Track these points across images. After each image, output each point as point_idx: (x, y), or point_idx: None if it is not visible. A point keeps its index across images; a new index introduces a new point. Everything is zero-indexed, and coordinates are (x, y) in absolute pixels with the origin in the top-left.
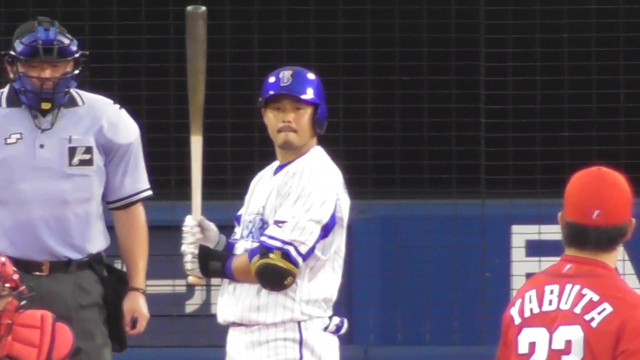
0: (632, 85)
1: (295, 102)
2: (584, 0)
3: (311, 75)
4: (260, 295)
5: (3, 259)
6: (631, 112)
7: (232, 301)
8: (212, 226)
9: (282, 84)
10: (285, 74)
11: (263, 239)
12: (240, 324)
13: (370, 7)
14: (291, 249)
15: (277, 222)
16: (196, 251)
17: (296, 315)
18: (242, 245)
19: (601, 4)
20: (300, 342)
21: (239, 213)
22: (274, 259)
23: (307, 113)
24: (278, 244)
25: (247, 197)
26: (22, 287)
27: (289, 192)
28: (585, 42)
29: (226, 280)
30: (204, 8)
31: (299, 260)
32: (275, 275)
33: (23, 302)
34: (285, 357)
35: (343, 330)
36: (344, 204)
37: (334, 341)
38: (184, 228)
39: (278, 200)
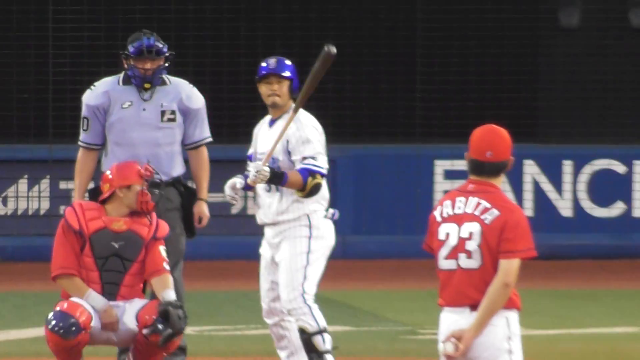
0: (517, 72)
1: (279, 78)
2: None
3: (288, 62)
4: (282, 202)
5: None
6: (514, 90)
7: (266, 210)
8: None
9: (270, 67)
10: (271, 61)
11: (309, 166)
12: (271, 224)
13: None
14: (324, 172)
15: (310, 157)
16: (267, 171)
17: (306, 210)
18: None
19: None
20: (310, 225)
21: (249, 153)
22: (319, 179)
23: (285, 85)
24: (321, 169)
25: (253, 141)
26: (158, 179)
27: (305, 137)
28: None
29: (261, 195)
30: (335, 51)
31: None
32: (318, 189)
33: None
34: (301, 234)
35: (337, 217)
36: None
37: (330, 224)
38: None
39: (292, 142)
